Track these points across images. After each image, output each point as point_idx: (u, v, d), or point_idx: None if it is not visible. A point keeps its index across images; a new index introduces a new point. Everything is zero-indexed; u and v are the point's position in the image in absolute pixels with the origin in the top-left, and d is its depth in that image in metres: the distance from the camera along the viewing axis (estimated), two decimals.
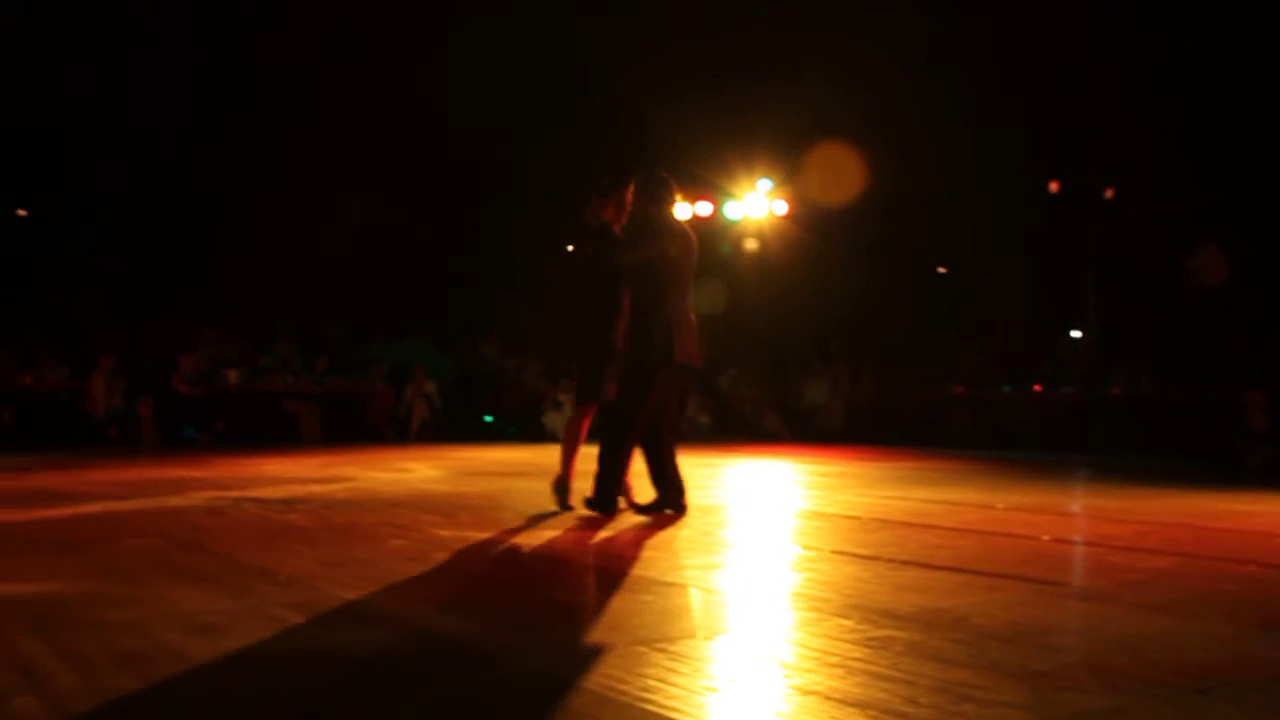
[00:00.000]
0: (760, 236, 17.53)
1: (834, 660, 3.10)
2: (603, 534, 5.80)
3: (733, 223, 17.76)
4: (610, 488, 6.43)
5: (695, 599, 4.08)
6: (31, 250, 17.25)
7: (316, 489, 8.13)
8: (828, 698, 2.76)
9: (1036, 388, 15.18)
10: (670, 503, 6.51)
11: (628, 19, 16.14)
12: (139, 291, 16.54)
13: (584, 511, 6.44)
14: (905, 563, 4.83)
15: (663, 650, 3.22)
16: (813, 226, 17.16)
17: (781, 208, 17.22)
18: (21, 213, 18.60)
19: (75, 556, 4.98)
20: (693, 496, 7.67)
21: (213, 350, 15.26)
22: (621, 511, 6.52)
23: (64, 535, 5.67)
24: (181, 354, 14.62)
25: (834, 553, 5.15)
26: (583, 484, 6.57)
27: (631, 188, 6.58)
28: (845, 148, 15.81)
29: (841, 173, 16.00)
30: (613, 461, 6.41)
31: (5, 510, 6.69)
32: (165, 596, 3.98)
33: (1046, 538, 5.75)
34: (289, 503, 7.18)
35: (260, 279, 16.94)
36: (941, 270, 20.38)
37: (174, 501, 7.22)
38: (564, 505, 6.63)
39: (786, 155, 16.81)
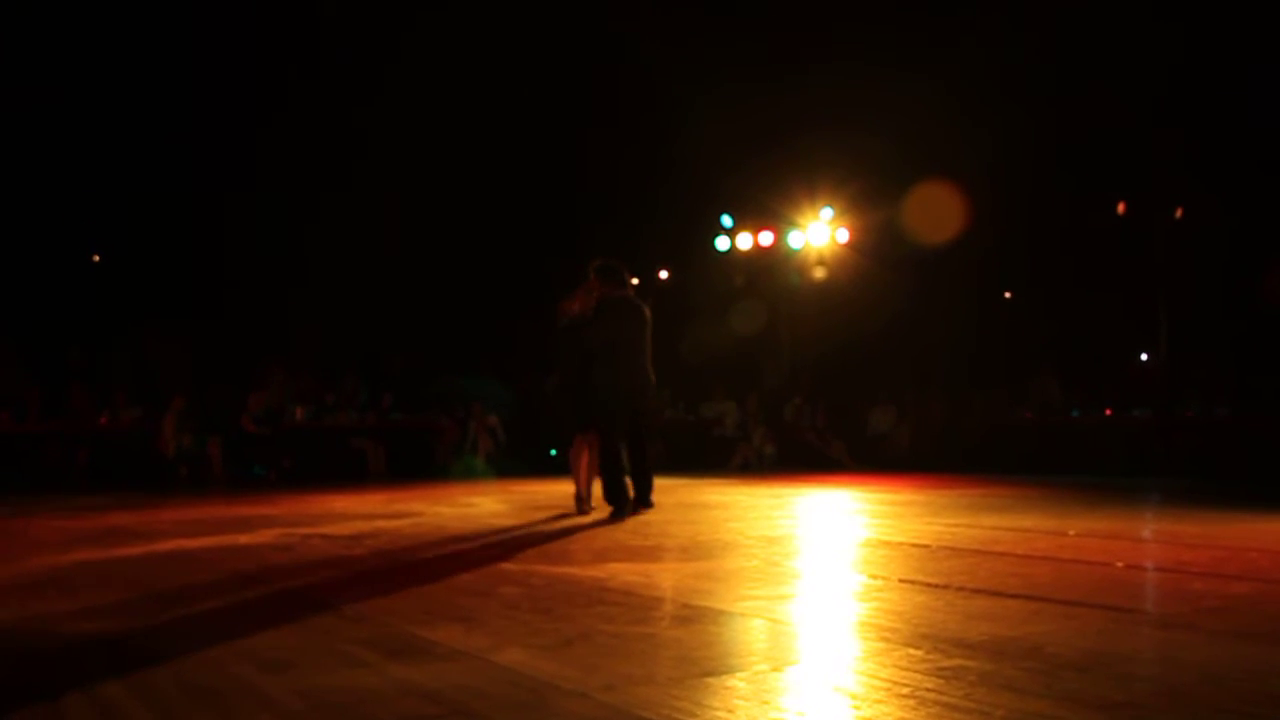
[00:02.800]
0: (823, 265, 17.46)
1: (905, 691, 3.05)
2: (669, 566, 5.78)
3: (795, 251, 17.72)
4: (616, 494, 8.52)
5: (763, 630, 4.05)
6: (105, 294, 17.61)
7: (383, 524, 8.19)
8: None
9: (1107, 412, 14.93)
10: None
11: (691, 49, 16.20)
12: (208, 332, 16.82)
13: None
14: (976, 591, 4.75)
15: (731, 681, 3.19)
16: (876, 254, 17.06)
17: (844, 235, 17.16)
18: (96, 258, 19.03)
19: (149, 593, 5.05)
20: (759, 527, 7.66)
21: (280, 389, 15.46)
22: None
23: (138, 573, 5.76)
24: (250, 393, 14.84)
25: (902, 581, 5.09)
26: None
27: (593, 276, 8.72)
28: (908, 176, 15.71)
29: (906, 201, 15.90)
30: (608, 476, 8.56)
31: (82, 549, 6.81)
32: (236, 632, 4.02)
33: (1121, 564, 5.63)
34: (356, 538, 7.23)
35: (325, 317, 17.17)
36: (1007, 295, 20.16)
37: (243, 539, 7.30)
38: (582, 511, 8.68)
39: (849, 182, 16.74)
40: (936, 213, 15.21)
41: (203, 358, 16.15)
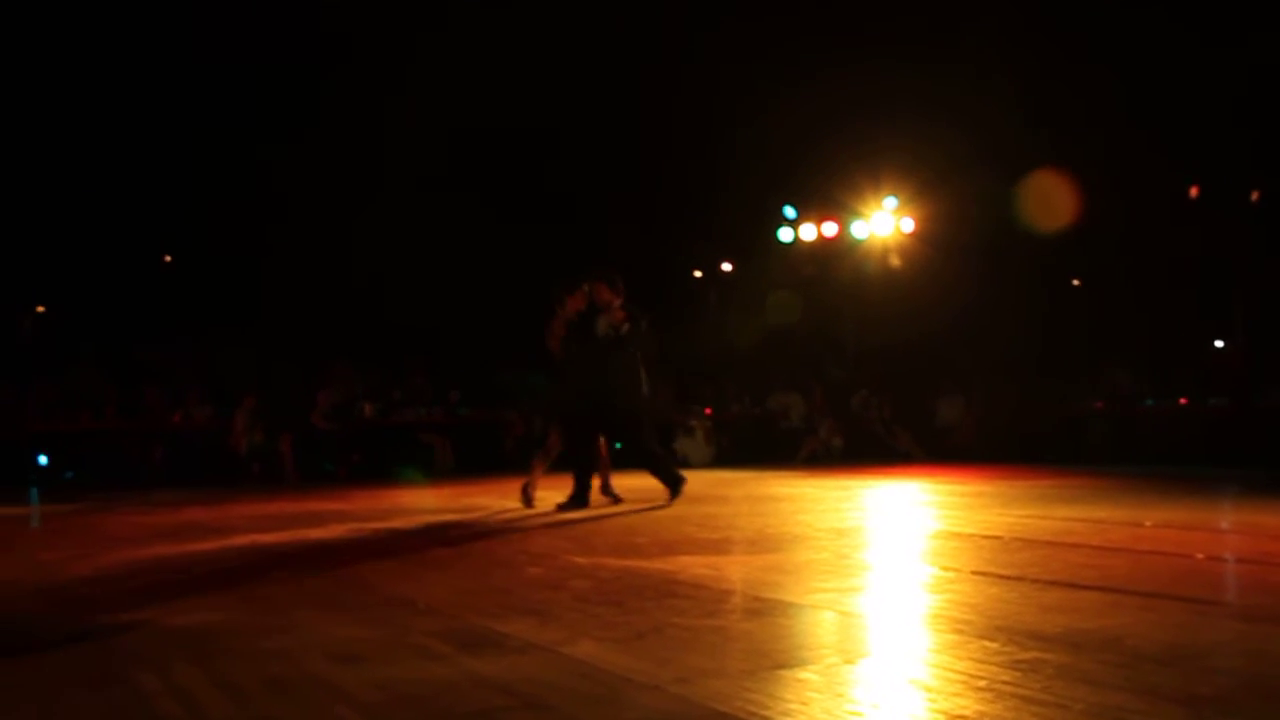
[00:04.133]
0: (888, 255, 17.31)
1: (981, 684, 3.01)
2: (738, 559, 5.77)
3: (859, 242, 17.58)
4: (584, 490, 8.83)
5: (834, 622, 4.02)
6: (177, 294, 17.93)
7: (452, 518, 8.26)
8: None
9: (1182, 400, 14.64)
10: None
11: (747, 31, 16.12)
12: (278, 331, 17.06)
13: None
14: (1051, 583, 4.68)
15: (804, 674, 3.17)
16: (941, 243, 16.88)
17: (909, 225, 16.99)
18: (168, 259, 19.38)
19: (226, 587, 5.13)
20: (828, 520, 7.61)
21: (348, 385, 15.62)
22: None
23: (215, 567, 5.85)
24: (319, 390, 15.02)
25: (974, 573, 5.03)
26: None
27: (600, 285, 8.87)
28: (974, 163, 15.52)
29: (973, 188, 15.72)
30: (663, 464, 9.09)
31: (160, 544, 6.94)
32: (311, 626, 4.07)
33: (1201, 556, 5.52)
34: (426, 532, 7.30)
35: (392, 314, 17.34)
36: (1076, 283, 19.86)
37: (315, 534, 7.39)
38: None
39: (914, 171, 16.58)
40: (1050, 201, 15.00)
41: (271, 356, 16.37)
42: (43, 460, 13.96)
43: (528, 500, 8.89)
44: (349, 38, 16.80)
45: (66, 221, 17.04)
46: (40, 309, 19.22)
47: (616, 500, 9.03)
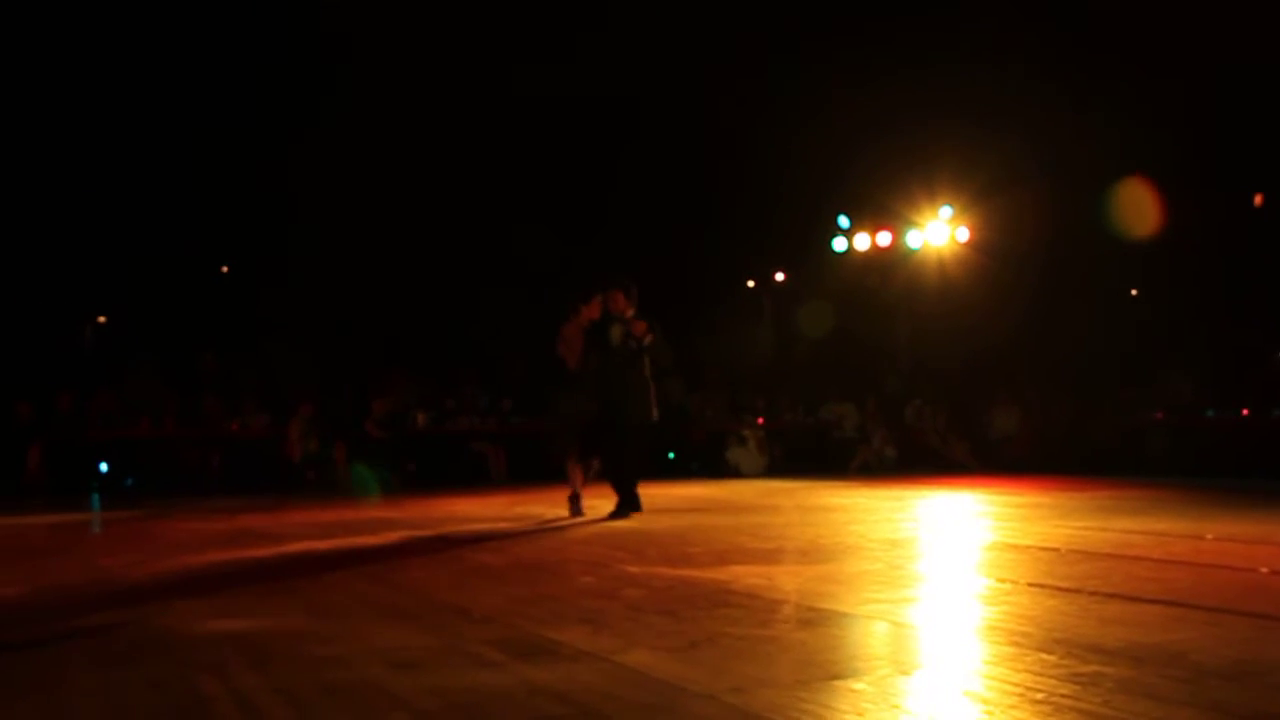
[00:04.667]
0: (942, 264, 17.16)
1: (1039, 696, 2.97)
2: (790, 569, 5.74)
3: (913, 251, 17.46)
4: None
5: (887, 633, 3.99)
6: (235, 304, 18.16)
7: (506, 527, 8.29)
8: None
9: (1244, 412, 14.38)
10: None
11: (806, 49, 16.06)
12: (331, 340, 17.22)
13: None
14: (1110, 596, 4.61)
15: (858, 685, 3.15)
16: (997, 252, 16.70)
17: (964, 234, 16.84)
18: (225, 269, 19.64)
19: (282, 594, 5.18)
20: (881, 530, 7.55)
21: (402, 394, 15.72)
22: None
23: (271, 574, 5.91)
24: (373, 399, 15.13)
25: (1031, 585, 4.96)
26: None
27: (616, 293, 9.02)
28: (1030, 171, 15.35)
29: (1029, 196, 15.54)
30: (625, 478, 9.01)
31: (217, 550, 7.02)
32: (367, 633, 4.10)
33: (1266, 570, 5.40)
34: (480, 541, 7.33)
35: (445, 322, 17.45)
36: (1134, 292, 19.58)
37: (370, 541, 7.45)
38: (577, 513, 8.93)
39: (970, 179, 16.42)
40: (1134, 209, 14.84)
41: (327, 365, 16.52)
42: (103, 467, 14.19)
43: (576, 509, 8.90)
44: (396, 43, 16.91)
45: (127, 233, 17.32)
46: (101, 319, 19.59)
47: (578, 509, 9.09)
